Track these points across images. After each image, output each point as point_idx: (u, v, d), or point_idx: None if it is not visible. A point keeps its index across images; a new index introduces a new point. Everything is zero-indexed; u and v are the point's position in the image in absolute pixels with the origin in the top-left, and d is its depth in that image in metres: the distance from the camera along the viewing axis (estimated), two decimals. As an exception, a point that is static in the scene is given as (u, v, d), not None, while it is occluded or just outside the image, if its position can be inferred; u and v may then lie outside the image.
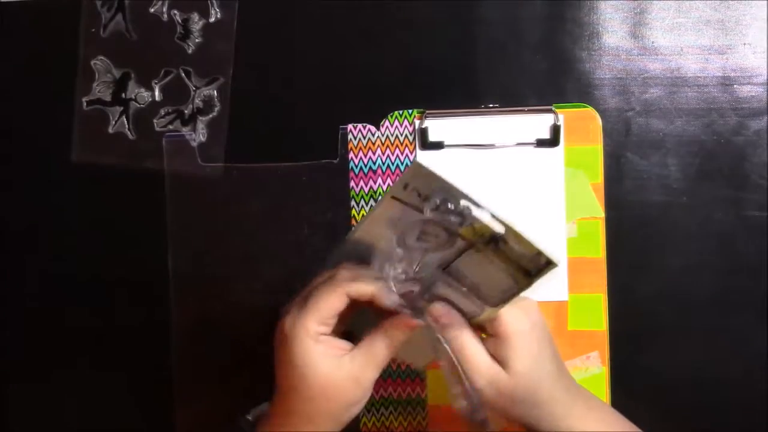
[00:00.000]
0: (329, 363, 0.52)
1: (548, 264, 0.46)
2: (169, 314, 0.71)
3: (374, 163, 0.69)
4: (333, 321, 0.53)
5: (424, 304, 0.52)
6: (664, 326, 0.63)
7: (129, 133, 0.71)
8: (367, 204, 0.69)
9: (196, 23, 0.70)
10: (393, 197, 0.48)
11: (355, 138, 0.69)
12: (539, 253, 0.46)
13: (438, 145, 0.69)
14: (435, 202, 0.47)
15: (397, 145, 0.69)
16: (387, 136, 0.69)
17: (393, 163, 0.69)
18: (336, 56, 0.70)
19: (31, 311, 0.73)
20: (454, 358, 0.53)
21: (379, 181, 0.69)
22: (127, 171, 0.71)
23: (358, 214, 0.70)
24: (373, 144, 0.69)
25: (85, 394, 0.73)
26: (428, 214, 0.47)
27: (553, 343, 0.55)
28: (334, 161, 0.70)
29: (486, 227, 0.46)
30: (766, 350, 0.67)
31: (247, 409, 0.57)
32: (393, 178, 0.69)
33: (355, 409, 0.54)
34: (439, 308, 0.53)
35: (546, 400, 0.54)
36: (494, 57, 0.69)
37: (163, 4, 0.71)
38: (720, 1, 0.68)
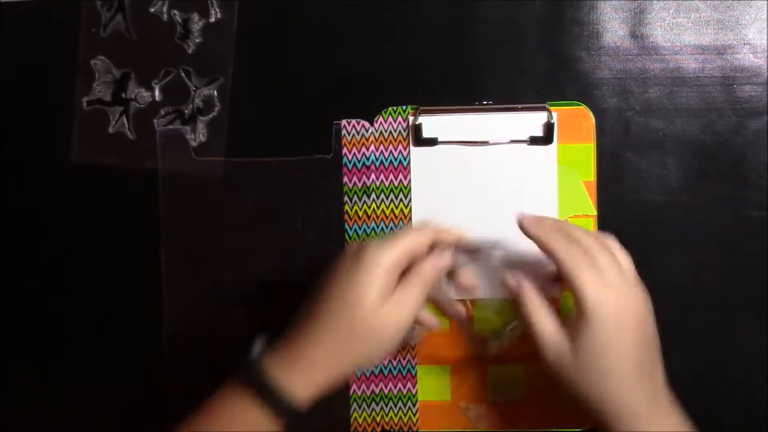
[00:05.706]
0: (381, 300, 0.53)
1: None
2: (162, 310, 0.71)
3: (368, 159, 0.69)
4: (406, 262, 0.55)
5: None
6: (663, 326, 0.62)
7: (129, 133, 0.72)
8: (360, 199, 0.69)
9: (196, 23, 0.71)
10: None
11: (348, 133, 0.69)
12: None
13: (432, 142, 0.68)
14: None
15: (390, 141, 0.69)
16: (381, 132, 0.69)
17: (386, 159, 0.69)
18: (331, 53, 0.70)
19: (29, 310, 0.73)
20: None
21: (372, 176, 0.69)
22: (127, 171, 0.72)
23: (351, 210, 0.69)
24: (367, 140, 0.69)
25: (78, 389, 0.73)
26: None
27: (645, 344, 0.55)
28: (328, 157, 0.70)
29: None
30: (766, 350, 0.67)
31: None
32: (386, 173, 0.69)
33: (377, 355, 0.54)
34: (511, 279, 0.57)
35: (611, 393, 0.53)
36: (493, 57, 0.69)
37: (163, 4, 0.71)
38: (720, 1, 0.68)
